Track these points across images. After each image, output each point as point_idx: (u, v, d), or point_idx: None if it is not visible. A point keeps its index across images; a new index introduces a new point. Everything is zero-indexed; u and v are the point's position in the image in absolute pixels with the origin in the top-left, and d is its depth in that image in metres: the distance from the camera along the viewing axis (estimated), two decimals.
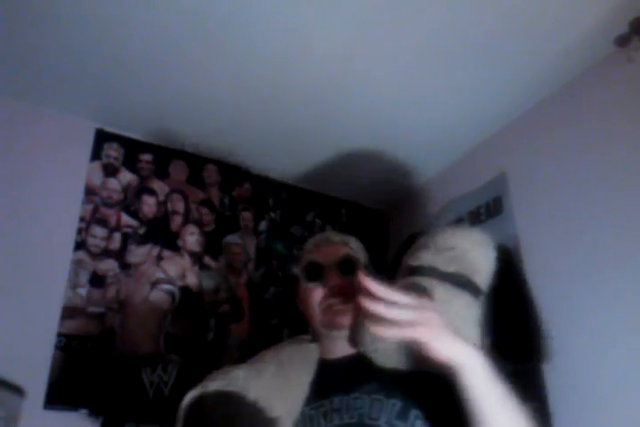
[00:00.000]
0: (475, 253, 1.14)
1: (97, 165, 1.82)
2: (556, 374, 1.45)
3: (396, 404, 1.07)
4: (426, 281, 1.08)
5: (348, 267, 1.21)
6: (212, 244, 1.90)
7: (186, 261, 1.84)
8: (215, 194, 1.99)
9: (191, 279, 1.82)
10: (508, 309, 1.12)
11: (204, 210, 1.95)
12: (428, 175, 2.10)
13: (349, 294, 1.16)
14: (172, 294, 1.76)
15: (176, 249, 1.84)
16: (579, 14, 1.45)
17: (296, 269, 1.27)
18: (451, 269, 1.10)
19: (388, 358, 1.05)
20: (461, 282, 1.09)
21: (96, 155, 1.83)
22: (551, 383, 1.46)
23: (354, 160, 2.03)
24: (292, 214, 2.12)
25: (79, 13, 1.46)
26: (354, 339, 1.13)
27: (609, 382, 1.35)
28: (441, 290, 1.06)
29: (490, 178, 1.81)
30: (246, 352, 1.79)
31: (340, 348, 1.16)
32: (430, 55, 1.58)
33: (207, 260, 1.87)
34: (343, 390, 1.08)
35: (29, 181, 1.69)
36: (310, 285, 1.21)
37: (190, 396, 1.00)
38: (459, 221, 1.87)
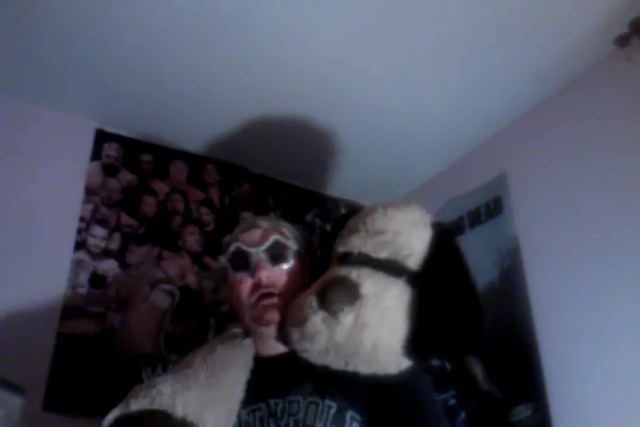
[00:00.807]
0: (407, 236, 1.05)
1: (97, 165, 1.82)
2: (556, 374, 1.45)
3: (331, 406, 1.01)
4: (355, 271, 1.01)
5: (278, 255, 1.12)
6: (212, 244, 1.90)
7: (186, 261, 1.84)
8: (215, 194, 1.99)
9: (191, 279, 1.82)
10: (438, 293, 1.02)
11: (204, 210, 1.95)
12: (428, 175, 2.10)
13: (279, 285, 1.10)
14: (172, 294, 1.76)
15: (176, 249, 1.84)
16: (579, 14, 1.45)
17: (222, 259, 1.17)
18: (382, 254, 1.04)
19: (319, 357, 1.00)
20: (394, 269, 1.02)
21: (96, 155, 1.83)
22: (551, 383, 1.46)
23: (354, 160, 2.03)
24: (292, 214, 2.11)
25: (79, 13, 1.46)
26: (283, 337, 1.07)
27: (609, 382, 1.35)
28: (370, 283, 0.99)
29: (490, 178, 1.81)
30: None
31: (275, 344, 1.11)
32: (430, 55, 1.58)
33: (207, 260, 1.87)
34: (280, 392, 1.03)
35: (29, 181, 1.69)
36: (237, 275, 1.12)
37: (109, 418, 0.89)
38: (459, 221, 1.87)
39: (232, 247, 1.13)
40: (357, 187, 2.19)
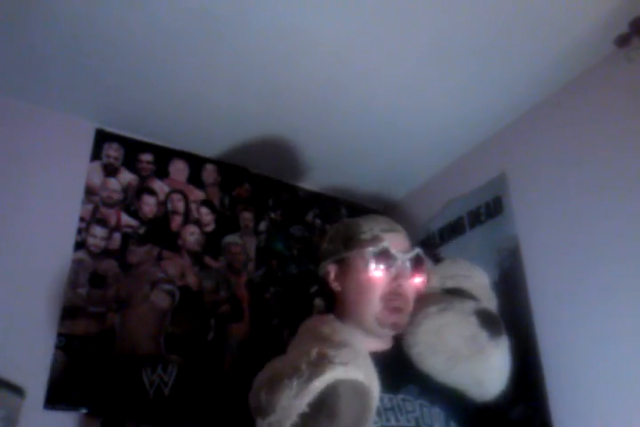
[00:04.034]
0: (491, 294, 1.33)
1: (97, 165, 1.82)
2: (556, 374, 1.45)
3: (440, 413, 1.09)
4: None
5: (418, 267, 1.18)
6: (212, 244, 1.90)
7: (186, 261, 1.84)
8: (215, 194, 1.99)
9: (191, 279, 1.82)
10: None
11: (204, 210, 1.95)
12: (428, 175, 2.10)
13: (410, 294, 1.17)
14: (171, 293, 1.76)
15: (176, 249, 1.84)
16: (579, 14, 1.45)
17: (362, 252, 1.17)
18: (484, 303, 1.26)
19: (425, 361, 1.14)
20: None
21: (96, 155, 1.83)
22: (551, 383, 1.46)
23: (354, 160, 2.03)
24: (292, 214, 2.12)
25: (79, 13, 1.46)
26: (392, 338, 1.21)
27: (609, 382, 1.35)
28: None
29: (490, 178, 1.81)
30: (246, 352, 1.79)
31: (376, 343, 1.16)
32: (431, 55, 1.58)
33: (207, 260, 1.87)
34: (389, 389, 1.07)
35: (29, 180, 1.69)
36: (378, 273, 1.15)
37: (329, 378, 0.92)
38: (459, 221, 1.87)
39: (378, 247, 1.16)
40: (357, 187, 2.19)
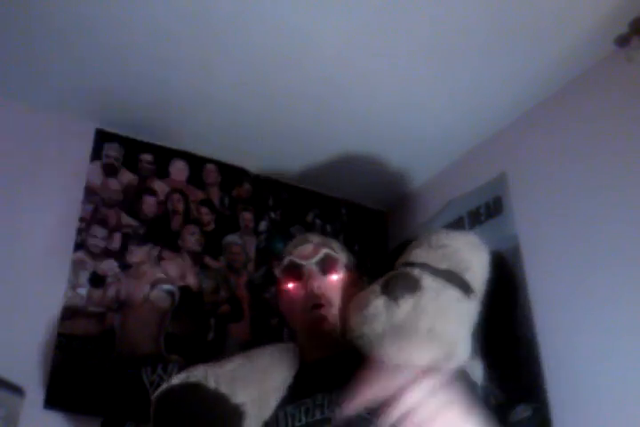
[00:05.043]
0: (467, 254, 1.13)
1: (97, 165, 1.82)
2: (556, 374, 1.45)
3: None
4: (417, 269, 1.07)
5: (328, 266, 1.21)
6: (212, 244, 1.90)
7: (186, 261, 1.84)
8: (215, 194, 1.99)
9: (191, 279, 1.82)
10: (493, 319, 1.12)
11: (204, 210, 1.95)
12: (427, 175, 2.10)
13: (330, 295, 1.18)
14: (171, 294, 1.76)
15: (176, 249, 1.84)
16: (579, 14, 1.45)
17: (277, 272, 1.28)
18: (443, 266, 1.10)
19: (374, 342, 1.02)
20: (452, 278, 1.08)
21: (96, 155, 1.83)
22: (551, 383, 1.46)
23: (354, 160, 2.03)
24: (292, 214, 2.11)
25: (79, 13, 1.46)
26: (331, 342, 1.15)
27: (610, 383, 1.35)
28: (431, 280, 1.05)
29: (490, 178, 1.81)
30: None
31: (320, 352, 1.16)
32: (431, 56, 1.58)
33: (207, 260, 1.87)
34: (326, 389, 1.06)
35: (29, 181, 1.69)
36: (290, 285, 1.22)
37: (156, 393, 1.02)
38: (459, 221, 1.87)
39: (285, 261, 1.24)
40: (357, 187, 2.19)
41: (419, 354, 0.96)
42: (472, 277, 1.11)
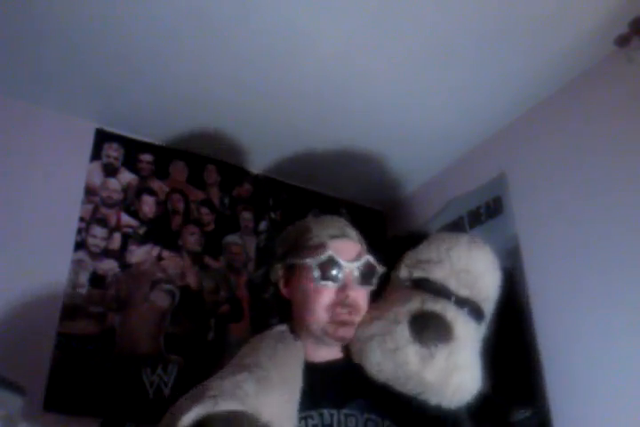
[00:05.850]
0: (487, 280, 1.14)
1: (97, 165, 1.82)
2: (556, 375, 1.45)
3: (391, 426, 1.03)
4: (450, 313, 1.06)
5: (367, 276, 1.12)
6: (212, 244, 1.90)
7: (186, 261, 1.84)
8: (215, 194, 1.99)
9: (191, 279, 1.81)
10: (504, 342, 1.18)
11: (204, 210, 1.95)
12: (427, 175, 2.10)
13: (360, 304, 1.12)
14: (172, 293, 1.76)
15: (176, 249, 1.84)
16: (579, 14, 1.45)
17: (309, 261, 1.11)
18: (464, 292, 1.10)
19: (395, 381, 1.03)
20: (472, 310, 1.09)
21: (96, 155, 1.83)
22: (551, 383, 1.46)
23: (354, 160, 2.03)
24: (292, 214, 2.11)
25: (79, 12, 1.46)
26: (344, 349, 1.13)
27: (609, 383, 1.35)
28: (461, 325, 1.05)
29: (490, 178, 1.81)
30: None
31: (326, 353, 1.13)
32: (431, 55, 1.58)
33: (207, 260, 1.87)
34: (334, 403, 1.03)
35: (29, 181, 1.69)
36: (323, 284, 1.10)
37: (192, 416, 0.88)
38: (458, 221, 1.87)
39: (324, 255, 1.10)
40: (357, 187, 2.19)
41: (437, 400, 1.02)
42: (488, 307, 1.13)
